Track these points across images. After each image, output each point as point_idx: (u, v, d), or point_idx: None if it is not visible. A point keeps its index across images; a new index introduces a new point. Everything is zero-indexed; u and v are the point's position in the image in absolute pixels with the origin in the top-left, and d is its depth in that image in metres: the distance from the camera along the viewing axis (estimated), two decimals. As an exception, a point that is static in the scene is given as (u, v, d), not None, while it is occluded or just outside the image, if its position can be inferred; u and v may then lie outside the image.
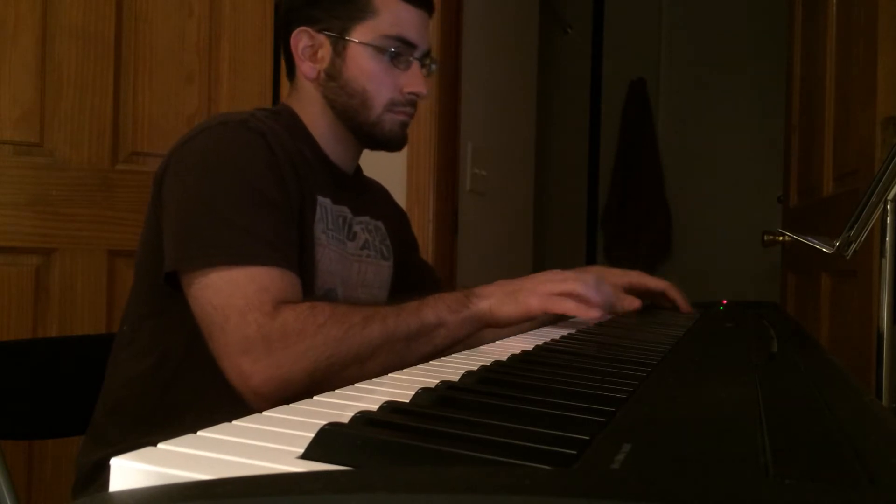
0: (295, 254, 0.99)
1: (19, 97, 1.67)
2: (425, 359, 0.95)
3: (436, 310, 0.95)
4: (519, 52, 2.72)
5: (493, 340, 0.87)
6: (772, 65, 3.33)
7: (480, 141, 2.27)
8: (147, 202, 1.06)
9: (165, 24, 1.79)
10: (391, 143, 1.15)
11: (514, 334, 0.94)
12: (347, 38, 1.10)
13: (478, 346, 0.82)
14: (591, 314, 0.94)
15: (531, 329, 1.01)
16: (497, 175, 2.43)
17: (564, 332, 0.93)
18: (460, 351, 0.82)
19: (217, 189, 0.97)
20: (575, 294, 0.95)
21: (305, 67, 1.13)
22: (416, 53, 1.13)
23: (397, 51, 1.10)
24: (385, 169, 1.49)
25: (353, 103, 1.11)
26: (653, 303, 1.29)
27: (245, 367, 0.89)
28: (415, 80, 1.12)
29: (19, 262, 1.67)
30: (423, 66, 1.15)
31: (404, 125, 1.15)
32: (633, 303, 1.09)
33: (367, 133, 1.13)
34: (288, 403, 0.46)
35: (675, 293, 1.27)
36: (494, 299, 0.96)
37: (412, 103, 1.14)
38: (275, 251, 0.94)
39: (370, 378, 0.55)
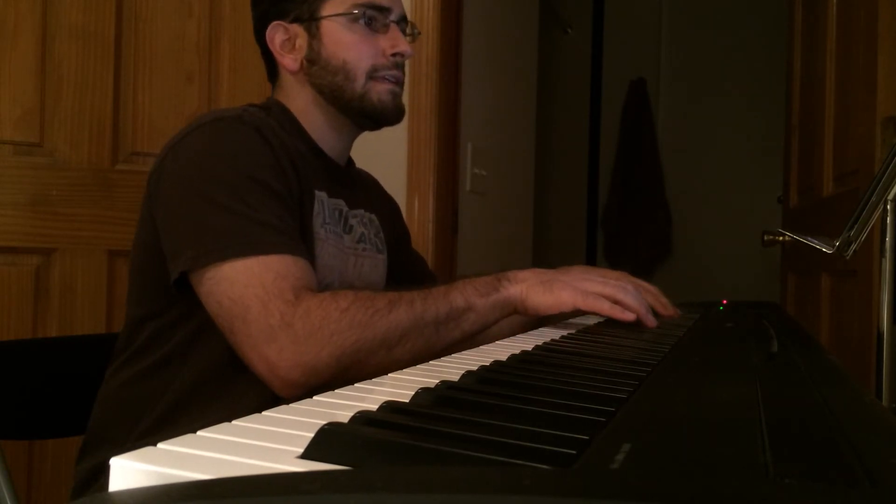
0: (301, 242, 0.98)
1: (19, 97, 1.68)
2: (455, 345, 0.93)
3: (465, 293, 0.94)
4: (519, 52, 2.72)
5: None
6: (772, 65, 3.33)
7: (480, 141, 2.27)
8: (145, 203, 1.05)
9: (165, 24, 1.79)
10: (384, 114, 1.12)
11: (514, 332, 0.94)
12: (318, 16, 1.10)
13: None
14: (626, 317, 0.93)
15: (531, 329, 1.01)
16: (497, 175, 2.43)
17: (564, 332, 0.93)
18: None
19: (218, 183, 0.95)
20: (614, 298, 0.95)
21: (287, 61, 1.12)
22: (391, 17, 1.12)
23: (370, 16, 1.10)
24: (386, 168, 1.49)
25: (337, 80, 1.10)
26: None
27: (271, 356, 0.87)
28: (395, 40, 1.11)
29: (19, 262, 1.67)
30: (402, 31, 1.14)
31: (394, 94, 1.13)
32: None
33: (357, 109, 1.11)
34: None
35: (654, 299, 1.25)
36: (527, 285, 0.95)
37: (398, 66, 1.13)
38: (285, 238, 0.93)
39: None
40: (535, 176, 2.92)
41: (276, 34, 1.12)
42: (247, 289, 0.89)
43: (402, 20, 1.14)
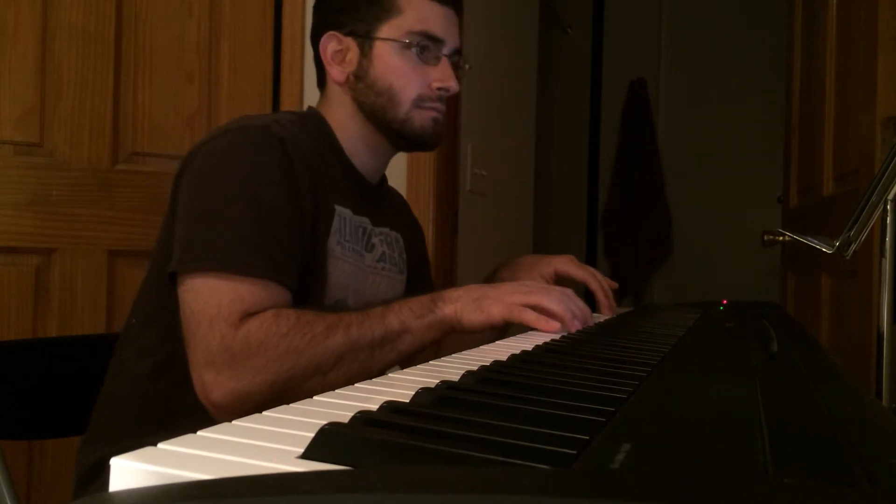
0: (294, 265, 0.98)
1: (19, 97, 1.67)
2: (390, 366, 0.95)
3: (400, 315, 0.95)
4: (519, 52, 2.72)
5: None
6: (772, 65, 3.33)
7: (480, 141, 2.27)
8: (148, 201, 1.06)
9: (165, 24, 1.79)
10: (423, 139, 1.13)
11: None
12: (373, 37, 1.10)
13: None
14: (549, 327, 0.93)
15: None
16: (497, 175, 2.43)
17: (564, 332, 0.93)
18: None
19: (222, 196, 0.97)
20: (539, 306, 0.95)
21: (335, 72, 1.13)
22: (444, 49, 1.12)
23: (423, 46, 1.10)
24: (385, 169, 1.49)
25: (381, 101, 1.11)
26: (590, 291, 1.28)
27: (207, 379, 0.89)
28: (444, 75, 1.11)
29: (19, 262, 1.67)
30: (453, 64, 1.14)
31: (436, 122, 1.13)
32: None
33: (397, 132, 1.12)
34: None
35: (596, 285, 1.25)
36: (460, 304, 0.96)
37: (441, 99, 1.13)
38: (268, 262, 0.94)
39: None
40: (536, 176, 2.92)
41: (330, 44, 1.13)
42: (205, 306, 0.91)
43: (455, 53, 1.15)
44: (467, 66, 1.18)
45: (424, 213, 1.92)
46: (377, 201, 1.20)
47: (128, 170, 1.75)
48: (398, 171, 1.90)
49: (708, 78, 3.94)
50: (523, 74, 2.77)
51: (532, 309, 0.96)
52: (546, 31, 3.26)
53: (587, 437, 0.37)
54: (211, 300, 0.91)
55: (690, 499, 0.24)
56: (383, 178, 1.24)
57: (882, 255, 1.10)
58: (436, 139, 1.15)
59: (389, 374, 0.61)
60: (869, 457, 0.34)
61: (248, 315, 0.90)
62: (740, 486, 0.26)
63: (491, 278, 1.35)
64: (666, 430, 0.41)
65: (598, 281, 1.25)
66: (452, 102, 2.06)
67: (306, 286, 1.00)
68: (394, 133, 1.13)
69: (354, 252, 1.10)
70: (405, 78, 1.10)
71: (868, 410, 0.48)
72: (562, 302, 0.96)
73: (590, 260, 4.07)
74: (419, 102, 1.11)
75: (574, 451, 0.35)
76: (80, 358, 1.23)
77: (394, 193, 1.33)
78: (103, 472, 1.01)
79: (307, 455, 0.36)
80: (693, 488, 0.25)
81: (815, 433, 0.40)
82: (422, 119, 1.11)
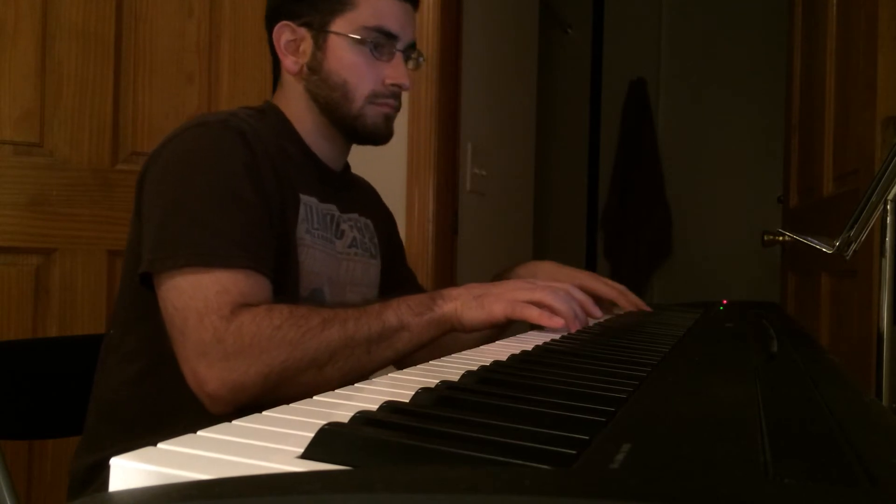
0: (269, 255, 0.98)
1: (19, 97, 1.67)
2: (387, 364, 0.94)
3: (398, 312, 0.93)
4: (519, 52, 2.72)
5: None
6: (772, 65, 3.33)
7: (480, 141, 2.27)
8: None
9: (165, 24, 1.79)
10: (375, 136, 1.14)
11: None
12: (328, 30, 1.10)
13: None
14: (553, 323, 0.92)
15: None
16: (497, 175, 2.43)
17: (564, 332, 0.93)
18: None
19: (190, 191, 0.96)
20: (543, 303, 0.94)
21: (288, 62, 1.13)
22: (398, 45, 1.12)
23: (378, 42, 1.10)
24: (385, 169, 1.49)
25: (335, 96, 1.11)
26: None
27: (200, 371, 0.88)
28: (397, 72, 1.12)
29: (19, 262, 1.67)
30: (408, 58, 1.14)
31: (388, 118, 1.14)
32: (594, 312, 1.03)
33: (350, 126, 1.13)
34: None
35: (624, 301, 1.25)
36: (460, 302, 0.95)
37: (395, 95, 1.13)
38: (245, 252, 0.93)
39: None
40: (535, 176, 2.92)
41: (283, 34, 1.12)
42: (190, 300, 0.90)
43: (410, 47, 1.15)
44: (421, 59, 1.18)
45: (424, 213, 1.92)
46: (343, 188, 1.20)
47: (128, 170, 1.75)
48: (398, 171, 1.90)
49: (708, 78, 3.94)
50: (523, 74, 2.77)
51: (535, 306, 0.95)
52: (546, 31, 3.26)
53: (587, 437, 0.37)
54: (195, 294, 0.90)
55: (690, 499, 0.24)
56: (347, 166, 1.25)
57: (882, 255, 1.09)
58: (387, 135, 1.15)
59: (389, 374, 0.61)
60: (869, 457, 0.34)
61: (238, 306, 0.90)
62: (740, 486, 0.26)
63: (505, 277, 1.34)
64: (666, 430, 0.41)
65: (626, 299, 1.25)
66: (452, 102, 2.06)
67: (280, 276, 0.99)
68: (346, 127, 1.13)
69: (324, 240, 1.10)
70: (359, 74, 1.10)
71: (868, 410, 0.48)
72: (566, 300, 0.95)
73: (590, 260, 4.07)
74: (373, 98, 1.11)
75: (574, 451, 0.35)
76: (80, 358, 1.22)
77: (360, 181, 1.33)
78: (98, 476, 1.01)
79: (307, 455, 0.36)
80: (693, 488, 0.25)
81: (815, 433, 0.40)
82: (374, 115, 1.12)
